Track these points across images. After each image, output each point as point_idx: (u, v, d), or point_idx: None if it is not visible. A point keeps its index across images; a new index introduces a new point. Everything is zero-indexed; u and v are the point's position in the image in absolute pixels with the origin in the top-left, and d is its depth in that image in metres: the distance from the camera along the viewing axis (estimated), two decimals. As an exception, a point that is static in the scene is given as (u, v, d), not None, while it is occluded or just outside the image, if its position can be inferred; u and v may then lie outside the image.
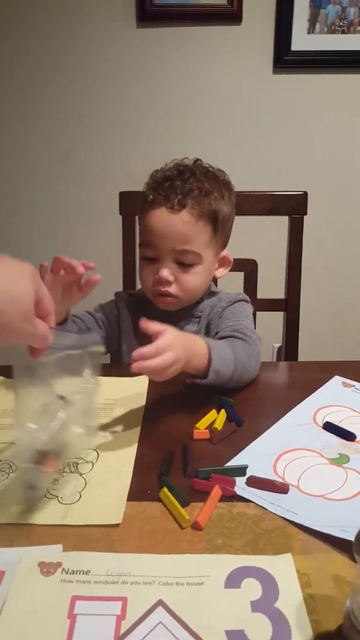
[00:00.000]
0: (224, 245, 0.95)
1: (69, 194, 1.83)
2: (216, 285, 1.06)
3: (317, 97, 1.71)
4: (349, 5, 1.56)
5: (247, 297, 0.99)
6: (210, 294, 0.98)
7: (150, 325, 0.68)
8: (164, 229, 0.86)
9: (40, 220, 1.86)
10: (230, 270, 1.20)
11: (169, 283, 0.87)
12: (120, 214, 1.17)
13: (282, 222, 1.21)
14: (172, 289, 0.88)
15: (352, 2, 1.56)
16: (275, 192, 1.20)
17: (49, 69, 1.70)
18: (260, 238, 1.52)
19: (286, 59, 1.64)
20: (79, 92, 1.72)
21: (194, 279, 0.89)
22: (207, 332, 0.95)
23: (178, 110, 1.73)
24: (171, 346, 0.67)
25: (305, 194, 1.19)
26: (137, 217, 0.98)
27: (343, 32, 1.58)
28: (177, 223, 0.85)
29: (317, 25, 1.59)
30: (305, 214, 1.20)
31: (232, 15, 1.59)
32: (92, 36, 1.66)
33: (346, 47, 1.60)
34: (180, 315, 0.94)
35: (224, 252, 0.95)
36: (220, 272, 0.97)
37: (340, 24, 1.57)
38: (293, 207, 1.20)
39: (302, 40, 1.60)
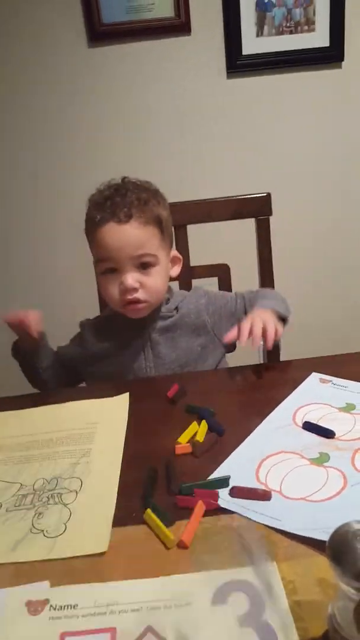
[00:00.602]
0: (171, 245, 1.01)
1: (42, 212, 1.83)
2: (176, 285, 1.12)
3: (272, 98, 1.72)
4: (294, 7, 1.59)
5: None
6: (169, 293, 1.04)
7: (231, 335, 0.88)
8: (119, 240, 0.90)
9: (18, 239, 1.86)
10: (204, 277, 1.23)
11: (135, 290, 0.91)
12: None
13: (249, 225, 1.22)
14: (140, 295, 0.92)
15: (296, 4, 1.58)
16: (239, 197, 1.22)
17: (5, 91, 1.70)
18: (229, 242, 1.53)
19: (238, 64, 1.65)
20: (36, 113, 1.72)
21: (156, 280, 0.94)
22: (197, 330, 1.01)
23: (137, 124, 1.74)
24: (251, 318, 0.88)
25: (268, 195, 1.21)
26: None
27: (291, 32, 1.60)
28: (128, 232, 0.90)
29: (265, 28, 1.61)
30: (270, 214, 1.22)
31: (181, 26, 1.60)
32: (45, 59, 1.67)
33: (295, 46, 1.62)
34: (149, 318, 0.98)
35: (173, 252, 1.01)
36: (175, 271, 1.02)
37: (287, 25, 1.59)
38: (258, 209, 1.22)
39: (251, 43, 1.62)
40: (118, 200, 0.91)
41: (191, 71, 1.69)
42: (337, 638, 0.39)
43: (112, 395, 0.85)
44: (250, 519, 0.56)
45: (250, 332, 0.86)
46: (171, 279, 1.02)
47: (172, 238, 1.02)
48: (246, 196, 1.22)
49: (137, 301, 0.92)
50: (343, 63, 1.71)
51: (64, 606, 0.47)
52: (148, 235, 0.91)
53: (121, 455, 0.70)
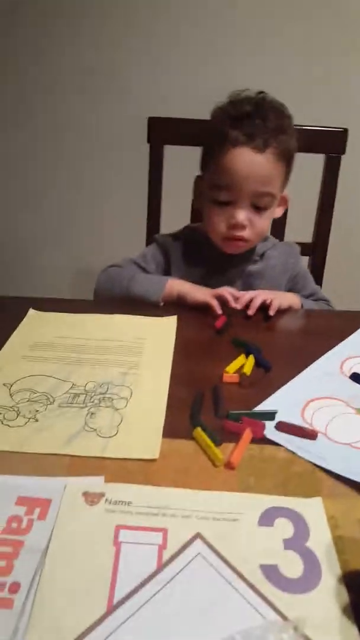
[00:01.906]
0: (286, 185, 0.95)
1: (89, 114, 1.74)
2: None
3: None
4: None
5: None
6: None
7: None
8: (249, 170, 0.84)
9: (59, 142, 1.79)
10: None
11: (244, 228, 0.88)
12: (148, 142, 1.13)
13: (316, 160, 1.16)
14: (246, 233, 0.89)
15: None
16: (313, 127, 1.14)
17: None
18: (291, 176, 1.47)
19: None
20: (102, 5, 1.60)
21: (265, 222, 0.91)
22: (277, 283, 1.01)
23: (216, 42, 1.61)
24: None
25: (345, 130, 1.14)
26: (203, 153, 0.94)
27: None
28: (262, 164, 0.84)
29: None
30: (344, 153, 1.15)
31: None
32: None
33: None
34: (241, 256, 0.96)
35: (284, 192, 0.95)
36: (279, 212, 0.97)
37: None
38: (331, 144, 1.15)
39: None
40: (259, 122, 0.84)
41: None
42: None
43: (161, 315, 0.85)
44: (295, 454, 0.58)
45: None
46: None
47: (290, 176, 0.95)
48: (321, 127, 1.14)
49: (241, 239, 0.90)
50: None
51: (119, 502, 0.49)
52: (277, 172, 0.87)
53: (169, 373, 0.71)
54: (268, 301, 0.88)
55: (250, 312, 0.86)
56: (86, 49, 1.65)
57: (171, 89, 1.64)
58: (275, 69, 1.61)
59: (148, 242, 1.17)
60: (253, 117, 0.84)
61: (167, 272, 1.00)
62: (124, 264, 0.99)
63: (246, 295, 0.87)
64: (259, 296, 0.88)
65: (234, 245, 0.92)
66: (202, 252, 0.97)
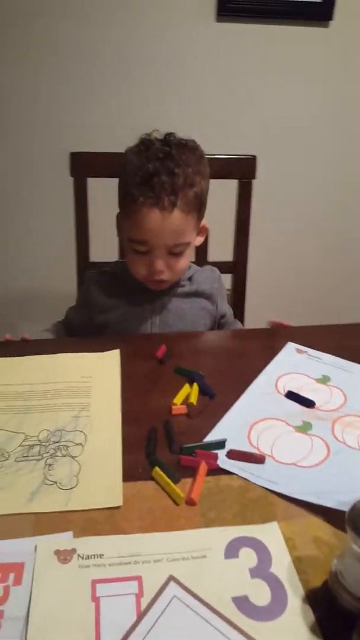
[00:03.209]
0: (202, 218, 0.98)
1: (16, 148, 1.71)
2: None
3: (260, 47, 1.68)
4: None
5: None
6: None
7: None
8: (158, 229, 0.88)
9: None
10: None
11: (162, 272, 0.93)
12: (71, 175, 1.14)
13: (230, 185, 1.23)
14: (166, 276, 0.94)
15: None
16: (225, 156, 1.21)
17: None
18: (209, 201, 1.53)
19: (229, 6, 1.59)
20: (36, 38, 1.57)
21: (184, 262, 0.96)
22: (206, 299, 1.06)
23: (123, 64, 1.64)
24: None
25: (254, 158, 1.21)
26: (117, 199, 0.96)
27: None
28: (170, 223, 0.88)
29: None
30: (254, 177, 1.23)
31: None
32: None
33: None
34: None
35: (202, 222, 0.99)
36: (198, 241, 1.03)
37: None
38: (243, 171, 1.22)
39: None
40: (165, 180, 0.86)
41: (180, 11, 1.60)
42: (340, 589, 0.47)
43: (101, 351, 0.86)
44: (248, 481, 0.62)
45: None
46: None
47: (204, 210, 0.99)
48: (233, 156, 1.21)
49: (162, 280, 0.94)
50: (331, 22, 1.70)
51: (91, 555, 0.51)
52: (188, 223, 0.91)
53: (120, 411, 0.73)
54: None
55: None
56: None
57: (93, 122, 1.66)
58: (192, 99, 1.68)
59: (78, 272, 1.18)
60: (160, 175, 0.86)
61: (98, 306, 1.02)
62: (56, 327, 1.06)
63: None
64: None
65: (157, 285, 0.97)
66: (125, 284, 1.01)
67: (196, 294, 1.05)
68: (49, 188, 1.70)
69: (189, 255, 0.97)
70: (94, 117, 1.66)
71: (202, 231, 1.02)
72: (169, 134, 0.93)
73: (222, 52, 1.67)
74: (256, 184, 1.23)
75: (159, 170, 0.87)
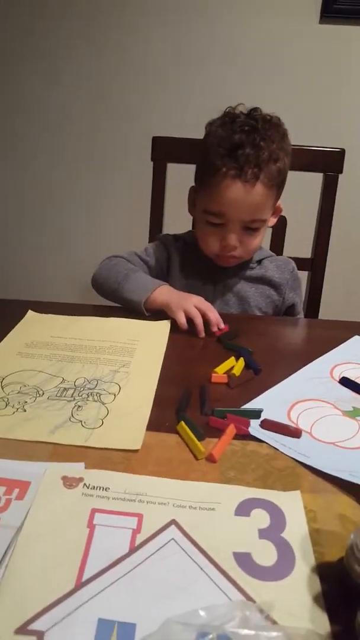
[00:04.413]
0: (280, 196, 0.96)
1: (100, 135, 1.81)
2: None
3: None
4: None
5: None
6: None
7: None
8: (239, 202, 0.86)
9: (69, 161, 1.86)
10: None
11: (235, 248, 0.91)
12: (151, 159, 1.16)
13: (315, 179, 1.19)
14: (237, 252, 0.93)
15: None
16: (312, 147, 1.17)
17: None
18: (291, 194, 1.49)
19: (335, 7, 1.56)
20: (109, 30, 1.67)
21: (257, 240, 0.94)
22: (273, 288, 1.02)
23: (216, 56, 1.68)
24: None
25: (342, 151, 1.16)
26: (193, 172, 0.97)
27: None
28: (252, 196, 0.86)
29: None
30: (341, 172, 1.18)
31: None
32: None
33: None
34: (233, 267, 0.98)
35: (278, 202, 0.97)
36: (272, 222, 0.99)
37: None
38: (329, 164, 1.17)
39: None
40: (249, 152, 0.84)
41: (283, 10, 1.60)
42: (353, 562, 0.41)
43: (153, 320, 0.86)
44: (278, 450, 0.58)
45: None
46: None
47: (283, 187, 0.96)
48: (320, 148, 1.17)
49: (232, 256, 0.93)
50: None
51: (97, 487, 0.50)
52: (269, 199, 0.89)
53: (158, 372, 0.72)
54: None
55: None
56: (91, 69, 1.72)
57: (173, 108, 1.71)
58: (274, 86, 1.67)
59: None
60: (244, 147, 0.85)
61: (167, 269, 1.03)
62: (127, 255, 1.00)
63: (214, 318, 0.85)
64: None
65: (226, 262, 0.95)
66: (198, 254, 0.98)
67: (263, 280, 1.02)
68: (129, 172, 1.77)
69: (263, 233, 0.95)
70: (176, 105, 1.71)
71: (277, 211, 0.99)
72: (254, 109, 0.92)
73: (324, 53, 1.64)
74: (341, 179, 1.18)
75: (244, 142, 0.85)
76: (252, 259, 1.02)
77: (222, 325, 0.85)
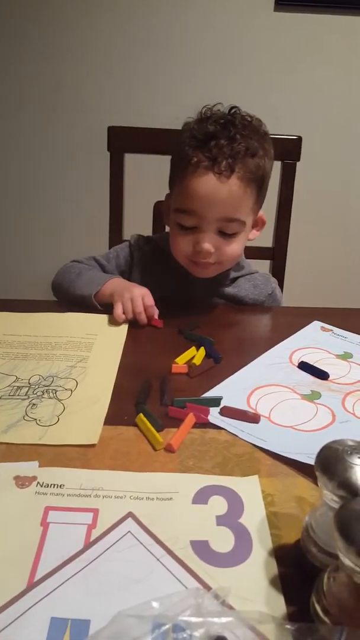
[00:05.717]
0: (261, 205, 0.89)
1: (57, 126, 1.79)
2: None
3: (316, 38, 1.65)
4: None
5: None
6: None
7: None
8: (213, 197, 0.78)
9: (25, 153, 1.83)
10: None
11: (209, 254, 0.82)
12: (108, 150, 1.15)
13: (273, 168, 1.19)
14: (213, 259, 0.84)
15: None
16: (270, 136, 1.16)
17: None
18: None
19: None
20: (70, 19, 1.65)
21: (236, 247, 0.84)
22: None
23: (176, 47, 1.67)
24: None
25: (299, 138, 1.17)
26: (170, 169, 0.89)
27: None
28: (226, 191, 0.78)
29: None
30: (299, 159, 1.18)
31: None
32: None
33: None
34: (207, 279, 0.90)
35: (260, 213, 0.90)
36: (254, 234, 0.91)
37: None
38: (287, 152, 1.18)
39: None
40: (224, 143, 0.77)
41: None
42: (310, 544, 0.41)
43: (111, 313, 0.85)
44: (237, 436, 0.58)
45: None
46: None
47: (265, 196, 0.88)
48: (276, 136, 1.17)
49: (208, 263, 0.84)
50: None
51: (51, 484, 0.48)
52: (246, 197, 0.80)
53: (117, 365, 0.71)
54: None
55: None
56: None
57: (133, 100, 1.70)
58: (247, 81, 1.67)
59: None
60: (218, 138, 0.77)
61: (128, 274, 0.98)
62: (85, 259, 0.97)
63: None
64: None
65: (201, 271, 0.86)
66: (171, 264, 0.91)
67: (235, 300, 0.95)
68: (87, 163, 1.76)
69: (242, 242, 0.86)
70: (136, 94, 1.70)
71: (260, 223, 0.91)
72: (233, 107, 0.85)
73: (279, 41, 1.65)
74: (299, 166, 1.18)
75: (218, 134, 0.78)
76: (228, 275, 0.95)
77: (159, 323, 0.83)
